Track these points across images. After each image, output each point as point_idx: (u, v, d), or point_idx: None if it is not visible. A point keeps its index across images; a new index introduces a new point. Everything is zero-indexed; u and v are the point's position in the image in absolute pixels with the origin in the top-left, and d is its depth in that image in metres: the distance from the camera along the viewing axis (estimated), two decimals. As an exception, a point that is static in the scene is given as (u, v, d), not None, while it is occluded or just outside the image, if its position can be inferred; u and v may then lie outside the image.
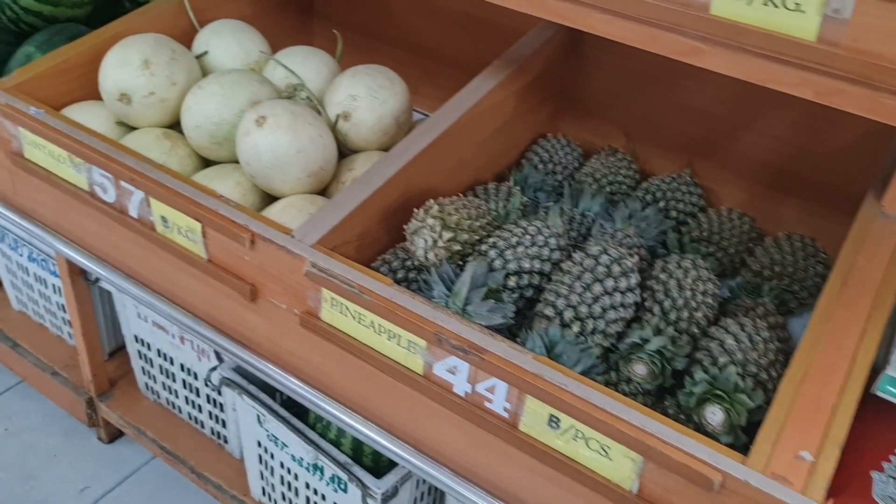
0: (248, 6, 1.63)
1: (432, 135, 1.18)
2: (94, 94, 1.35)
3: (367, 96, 1.24)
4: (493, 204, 1.19)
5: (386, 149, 1.31)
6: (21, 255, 1.76)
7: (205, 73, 1.38)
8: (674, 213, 1.33)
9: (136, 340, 1.65)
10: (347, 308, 0.97)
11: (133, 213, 1.15)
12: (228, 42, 1.38)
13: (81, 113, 1.30)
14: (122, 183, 1.13)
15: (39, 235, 1.25)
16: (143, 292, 1.17)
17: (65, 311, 1.76)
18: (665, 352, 0.92)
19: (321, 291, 0.98)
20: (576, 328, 0.93)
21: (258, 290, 1.07)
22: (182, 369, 1.58)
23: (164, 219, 1.11)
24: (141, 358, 1.67)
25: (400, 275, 1.07)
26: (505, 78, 1.30)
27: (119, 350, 1.81)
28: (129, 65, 1.25)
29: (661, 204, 1.33)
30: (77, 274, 1.49)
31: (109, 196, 1.16)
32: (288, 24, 1.75)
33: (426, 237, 1.02)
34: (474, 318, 0.92)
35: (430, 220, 1.03)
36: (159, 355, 1.61)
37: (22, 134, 1.24)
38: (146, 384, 1.72)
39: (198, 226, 1.07)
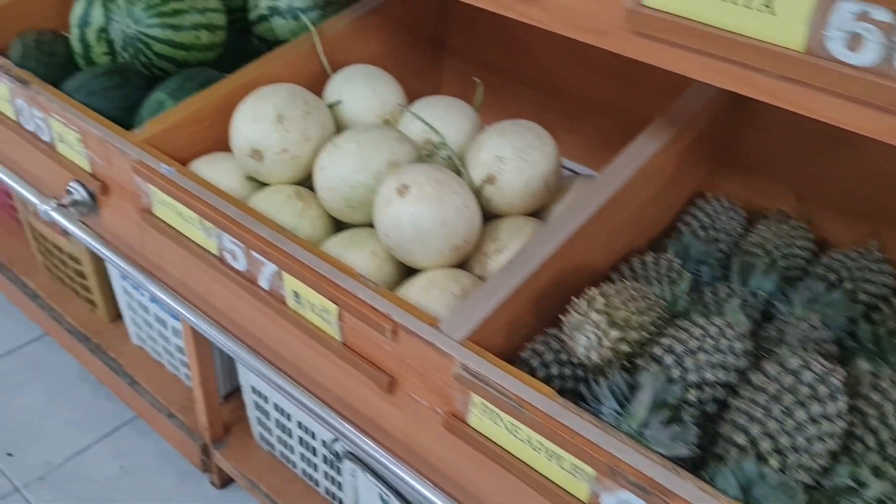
0: (380, 45, 1.54)
1: (593, 205, 1.05)
2: (224, 144, 1.29)
3: (515, 158, 1.13)
4: (656, 287, 1.05)
5: (531, 213, 1.19)
6: (143, 295, 1.73)
7: (337, 122, 1.30)
8: (862, 297, 1.15)
9: (253, 391, 1.59)
10: (500, 418, 0.85)
11: (264, 284, 1.07)
12: (363, 91, 1.29)
13: (212, 167, 1.23)
14: (254, 253, 1.05)
15: (165, 299, 1.19)
16: (268, 370, 1.09)
17: (183, 353, 1.72)
18: (889, 502, 0.76)
19: (471, 396, 0.87)
20: (775, 462, 0.79)
21: (397, 382, 0.96)
22: (299, 427, 1.51)
23: (296, 294, 1.02)
24: (257, 409, 1.61)
25: (554, 370, 0.95)
26: (670, 138, 1.16)
27: (235, 392, 1.76)
28: (263, 120, 1.17)
29: (847, 285, 1.15)
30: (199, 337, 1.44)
31: (240, 264, 1.09)
32: (418, 63, 1.66)
33: (589, 335, 0.90)
34: (653, 446, 0.79)
35: (594, 316, 0.90)
36: (276, 409, 1.55)
37: (152, 192, 1.18)
38: (260, 434, 1.66)
39: (333, 308, 0.97)
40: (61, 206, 1.31)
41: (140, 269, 1.26)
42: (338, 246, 1.11)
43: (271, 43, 1.57)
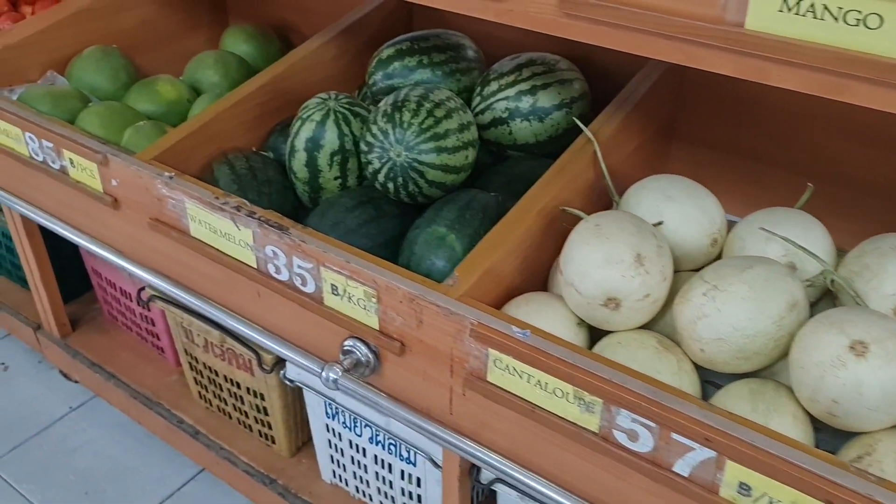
0: (633, 141, 1.38)
1: None
2: (535, 283, 1.11)
3: (928, 283, 0.96)
4: None
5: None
6: (360, 436, 1.53)
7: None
8: None
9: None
10: None
11: (682, 470, 0.88)
12: (689, 209, 1.12)
13: (538, 314, 1.05)
14: (676, 437, 0.87)
15: (510, 480, 1.00)
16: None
17: (411, 497, 1.52)
18: None
19: None
20: None
21: None
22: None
23: (744, 486, 0.84)
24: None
25: None
26: None
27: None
28: (620, 263, 1.00)
29: None
30: (465, 474, 1.25)
31: (643, 446, 0.90)
32: (649, 152, 1.49)
33: None
34: None
35: None
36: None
37: (491, 355, 0.99)
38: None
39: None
40: (346, 372, 1.12)
41: (450, 432, 1.07)
42: (745, 410, 0.93)
43: (502, 147, 1.40)
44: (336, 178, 1.32)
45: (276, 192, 1.34)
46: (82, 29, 1.84)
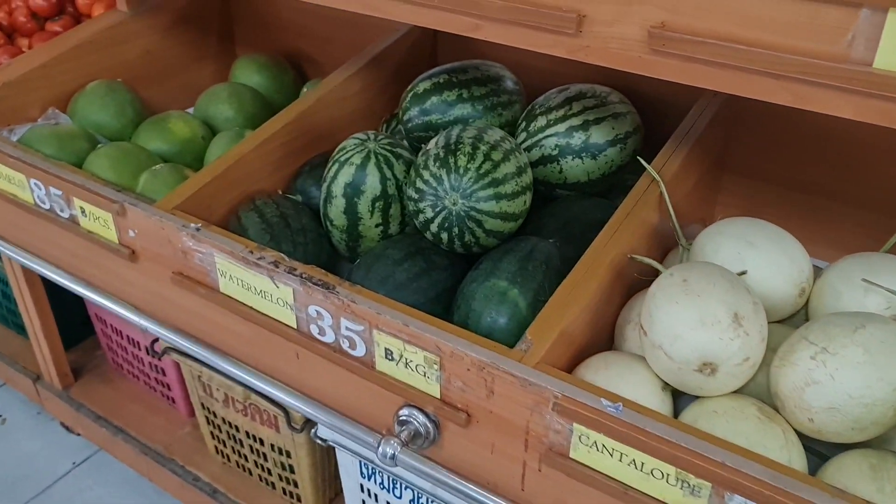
0: (691, 179, 1.29)
1: None
2: (602, 338, 1.01)
3: None
4: None
5: None
6: (399, 497, 1.42)
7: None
8: None
9: None
10: None
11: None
12: (776, 256, 1.03)
13: (620, 379, 0.95)
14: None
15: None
16: None
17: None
18: None
19: None
20: None
21: None
22: None
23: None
24: None
25: None
26: None
27: None
28: (716, 324, 0.90)
29: None
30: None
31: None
32: (703, 184, 1.40)
33: None
34: None
35: None
36: None
37: (577, 431, 0.89)
38: None
39: None
40: (404, 446, 1.01)
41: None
42: (870, 491, 0.83)
43: (550, 186, 1.31)
44: (377, 226, 1.21)
45: (312, 242, 1.23)
46: (83, 63, 1.73)
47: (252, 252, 1.12)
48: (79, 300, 1.91)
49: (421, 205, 1.11)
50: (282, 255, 1.10)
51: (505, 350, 0.94)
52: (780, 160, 1.39)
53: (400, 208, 1.21)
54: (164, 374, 1.81)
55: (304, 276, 1.07)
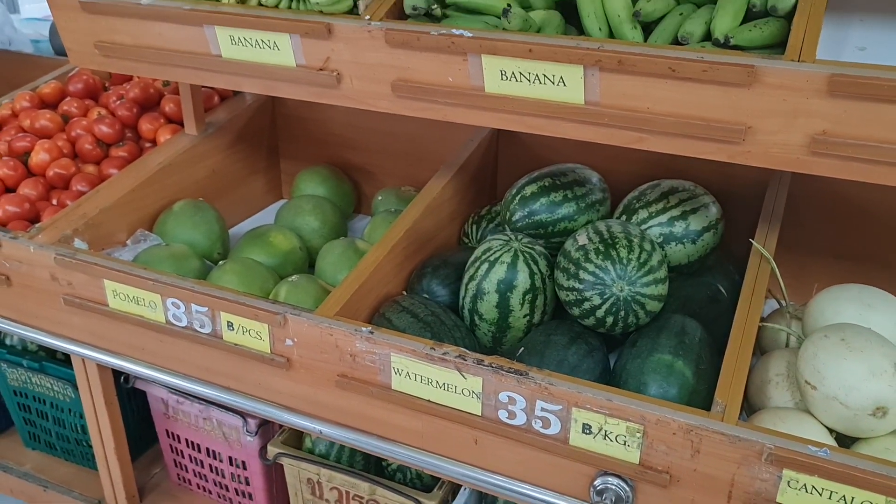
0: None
1: None
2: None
3: None
4: None
5: None
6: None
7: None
8: None
9: None
10: None
11: None
12: (891, 315, 1.22)
13: (799, 428, 1.11)
14: None
15: None
16: None
17: None
18: None
19: None
20: None
21: None
22: None
23: None
24: None
25: None
26: None
27: None
28: (884, 373, 1.08)
29: None
30: None
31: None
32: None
33: None
34: None
35: None
36: None
37: (786, 477, 1.03)
38: None
39: None
40: (610, 511, 1.12)
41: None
42: None
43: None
44: (525, 317, 1.34)
45: (464, 336, 1.34)
46: (164, 185, 1.80)
47: (433, 349, 1.22)
48: (141, 419, 1.92)
49: (587, 294, 1.25)
50: (464, 349, 1.21)
51: (707, 413, 1.08)
52: (831, 232, 1.62)
53: (543, 299, 1.35)
54: (247, 483, 1.83)
55: (493, 366, 1.18)
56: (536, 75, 1.18)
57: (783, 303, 1.35)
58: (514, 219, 1.51)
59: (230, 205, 1.99)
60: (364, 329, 1.28)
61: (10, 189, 1.83)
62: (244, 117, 2.03)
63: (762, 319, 1.31)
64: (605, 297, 1.24)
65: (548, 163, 1.64)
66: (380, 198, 1.88)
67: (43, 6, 3.34)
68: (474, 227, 1.69)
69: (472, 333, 1.38)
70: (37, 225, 1.60)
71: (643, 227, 1.46)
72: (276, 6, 1.35)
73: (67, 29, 1.54)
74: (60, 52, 2.60)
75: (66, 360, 1.81)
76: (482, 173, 1.82)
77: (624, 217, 1.49)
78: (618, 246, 1.25)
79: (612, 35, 1.22)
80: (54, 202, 1.81)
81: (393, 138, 2.01)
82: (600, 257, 1.25)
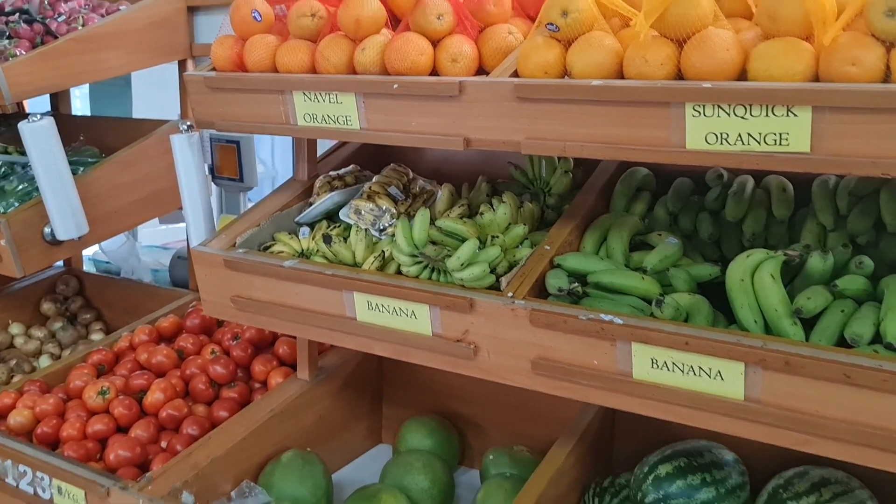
0: None
1: None
2: None
3: None
4: None
5: None
6: None
7: None
8: None
9: None
10: None
11: None
12: None
13: None
14: None
15: None
16: None
17: None
18: None
19: None
20: None
21: None
22: None
23: None
24: None
25: None
26: None
27: None
28: None
29: None
30: None
31: None
32: None
33: None
34: None
35: None
36: None
37: None
38: None
39: None
40: None
41: None
42: None
43: None
44: None
45: None
46: (273, 432, 1.77)
47: None
48: None
49: None
50: None
51: None
52: None
53: None
54: None
55: None
56: (691, 367, 1.13)
57: None
58: (647, 501, 1.41)
59: (331, 451, 1.93)
60: None
61: (122, 428, 1.82)
62: (353, 362, 2.02)
63: None
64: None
65: (666, 427, 1.55)
66: (491, 457, 1.79)
67: (160, 234, 3.56)
68: (596, 499, 1.58)
69: None
70: (147, 475, 1.56)
71: (795, 521, 1.33)
72: (417, 277, 1.37)
73: (207, 282, 1.60)
74: (178, 283, 2.72)
75: None
76: (601, 437, 1.73)
77: (769, 508, 1.38)
78: None
79: (767, 327, 1.18)
80: (163, 444, 1.78)
81: (502, 390, 1.96)
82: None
